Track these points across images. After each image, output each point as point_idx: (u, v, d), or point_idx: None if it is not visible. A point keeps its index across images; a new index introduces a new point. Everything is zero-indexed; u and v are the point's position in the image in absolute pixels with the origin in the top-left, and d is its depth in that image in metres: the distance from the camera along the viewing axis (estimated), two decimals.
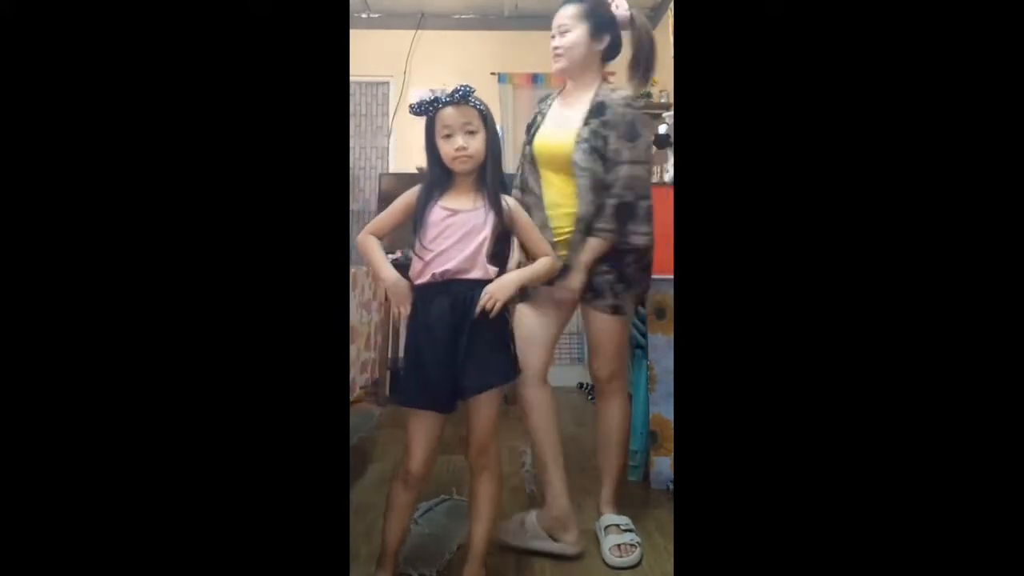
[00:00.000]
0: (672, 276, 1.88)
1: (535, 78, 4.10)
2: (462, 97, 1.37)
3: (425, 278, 1.38)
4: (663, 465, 2.20)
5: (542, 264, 1.47)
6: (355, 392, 2.64)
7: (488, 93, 3.91)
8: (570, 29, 1.74)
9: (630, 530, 1.74)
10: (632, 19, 1.77)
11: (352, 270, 2.27)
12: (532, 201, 1.75)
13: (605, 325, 1.76)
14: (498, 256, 1.42)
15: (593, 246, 1.67)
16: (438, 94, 1.38)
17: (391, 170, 4.18)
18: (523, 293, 1.76)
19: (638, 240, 1.71)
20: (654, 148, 1.81)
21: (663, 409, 2.20)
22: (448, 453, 1.90)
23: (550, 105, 1.85)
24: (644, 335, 2.28)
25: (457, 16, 4.22)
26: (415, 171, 3.86)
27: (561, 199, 1.73)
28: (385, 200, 3.61)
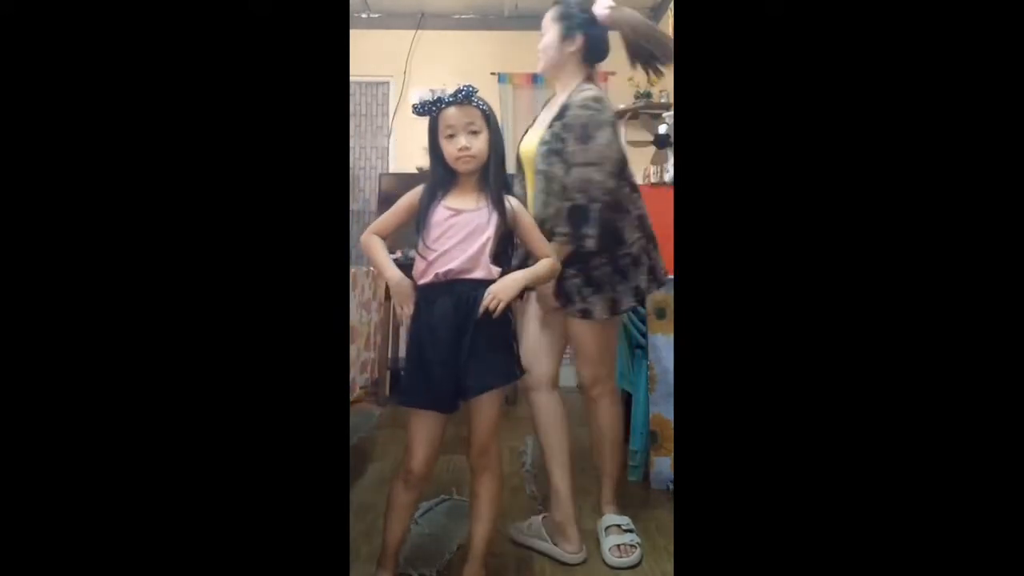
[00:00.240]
0: (672, 276, 1.88)
1: (535, 78, 4.09)
2: (465, 97, 1.37)
3: (428, 278, 1.38)
4: (663, 465, 2.20)
5: (543, 265, 1.47)
6: (355, 392, 2.64)
7: (488, 93, 3.89)
8: (545, 31, 1.75)
9: (630, 530, 1.74)
10: (610, 16, 1.71)
11: (352, 270, 2.27)
12: None
13: (579, 329, 1.73)
14: (501, 256, 1.42)
15: (555, 250, 1.58)
16: (440, 94, 1.38)
17: (391, 170, 4.19)
18: (527, 296, 1.76)
19: (588, 244, 1.61)
20: (625, 150, 1.75)
21: (663, 409, 2.20)
22: (449, 453, 1.90)
23: (544, 107, 1.86)
24: (644, 335, 2.28)
25: (457, 16, 4.23)
26: (415, 171, 3.86)
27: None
28: (385, 200, 3.62)
